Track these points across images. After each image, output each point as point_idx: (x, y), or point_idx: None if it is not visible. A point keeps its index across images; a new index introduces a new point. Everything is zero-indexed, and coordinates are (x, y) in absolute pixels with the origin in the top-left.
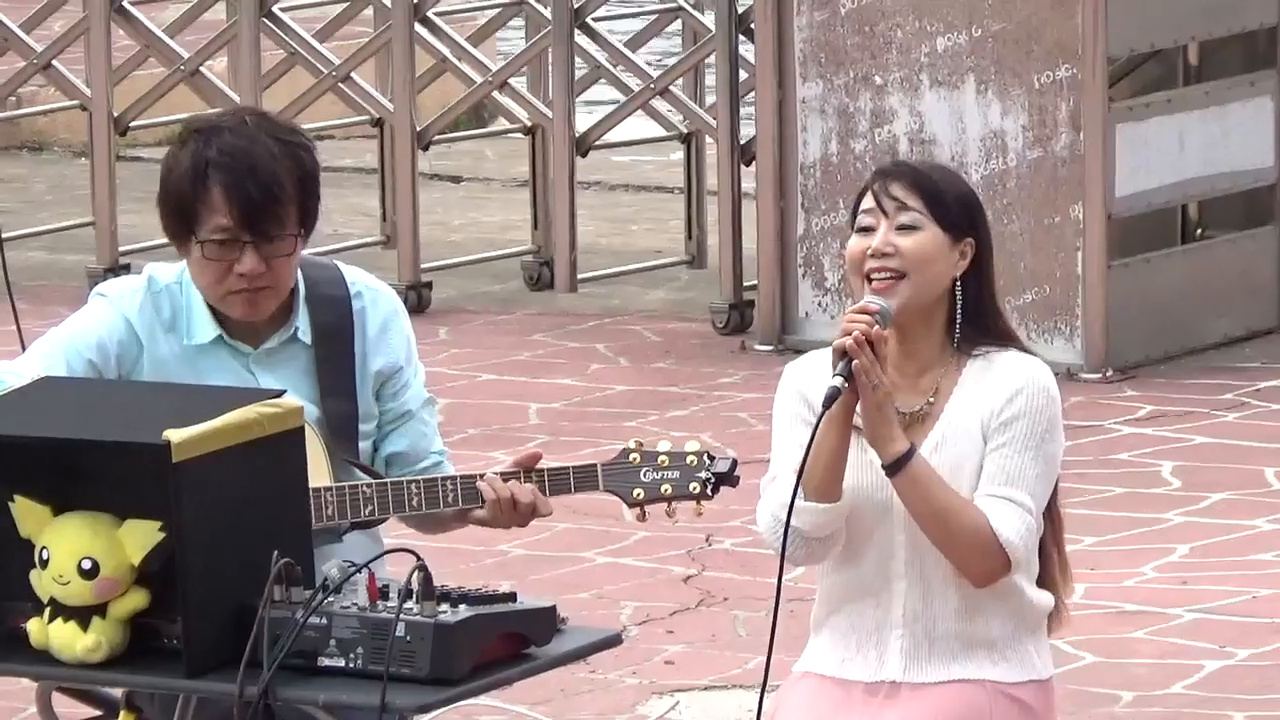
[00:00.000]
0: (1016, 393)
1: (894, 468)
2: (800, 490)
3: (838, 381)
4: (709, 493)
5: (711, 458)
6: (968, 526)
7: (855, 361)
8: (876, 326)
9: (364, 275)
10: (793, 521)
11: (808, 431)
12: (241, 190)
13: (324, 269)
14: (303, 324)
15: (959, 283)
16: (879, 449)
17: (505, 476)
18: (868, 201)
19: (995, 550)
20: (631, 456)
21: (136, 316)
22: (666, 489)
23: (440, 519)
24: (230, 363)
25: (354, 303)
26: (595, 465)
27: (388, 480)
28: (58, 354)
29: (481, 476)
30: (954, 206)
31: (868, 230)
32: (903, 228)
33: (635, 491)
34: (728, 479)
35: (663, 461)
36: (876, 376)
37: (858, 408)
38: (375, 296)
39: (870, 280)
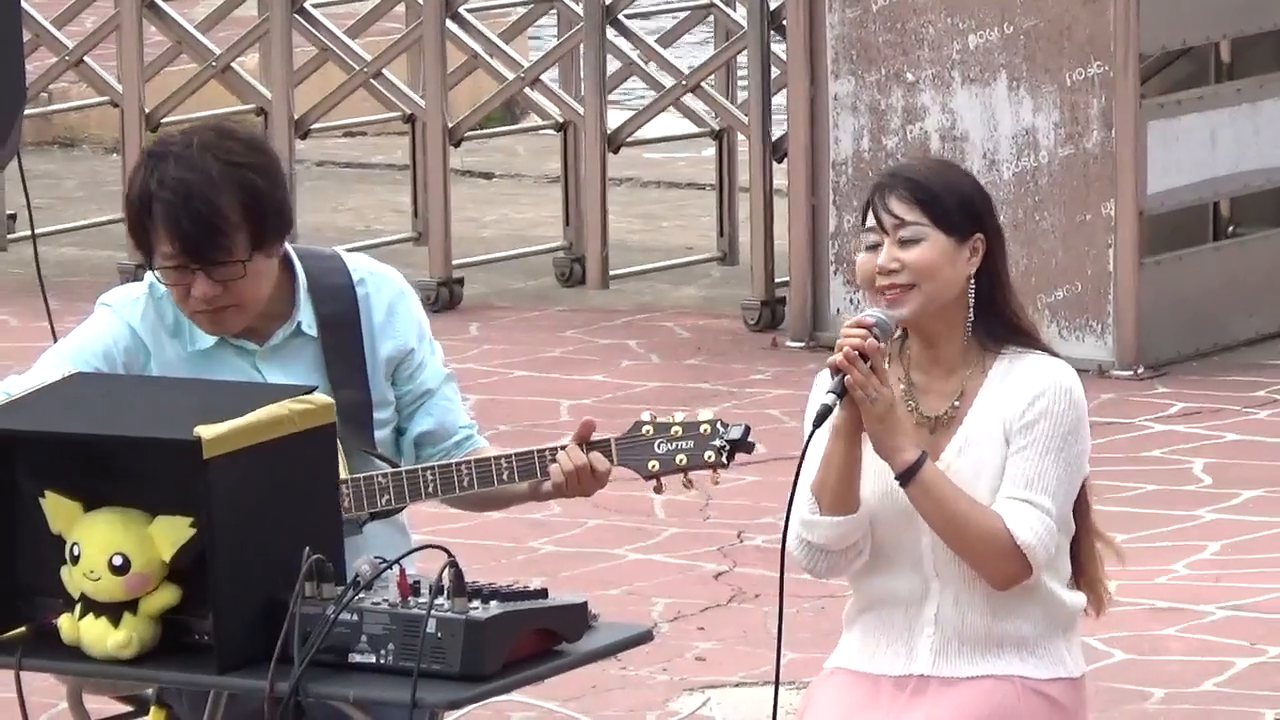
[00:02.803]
0: (1038, 396)
1: (905, 477)
2: (817, 505)
3: (829, 399)
4: (724, 460)
5: (725, 425)
6: (984, 531)
7: (848, 377)
8: (871, 339)
9: (367, 261)
10: (812, 537)
11: (832, 446)
12: (178, 224)
13: (325, 259)
14: (306, 317)
15: (973, 279)
16: (888, 460)
17: (521, 455)
18: (870, 219)
19: (1012, 553)
20: (644, 429)
21: (140, 323)
22: (681, 459)
23: (499, 496)
24: (237, 362)
25: (358, 289)
26: (609, 440)
27: (403, 469)
28: (65, 365)
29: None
30: (954, 208)
31: (874, 247)
32: (905, 241)
33: (650, 464)
34: (742, 445)
35: (676, 432)
36: (874, 389)
37: None
38: (379, 281)
39: (884, 294)
